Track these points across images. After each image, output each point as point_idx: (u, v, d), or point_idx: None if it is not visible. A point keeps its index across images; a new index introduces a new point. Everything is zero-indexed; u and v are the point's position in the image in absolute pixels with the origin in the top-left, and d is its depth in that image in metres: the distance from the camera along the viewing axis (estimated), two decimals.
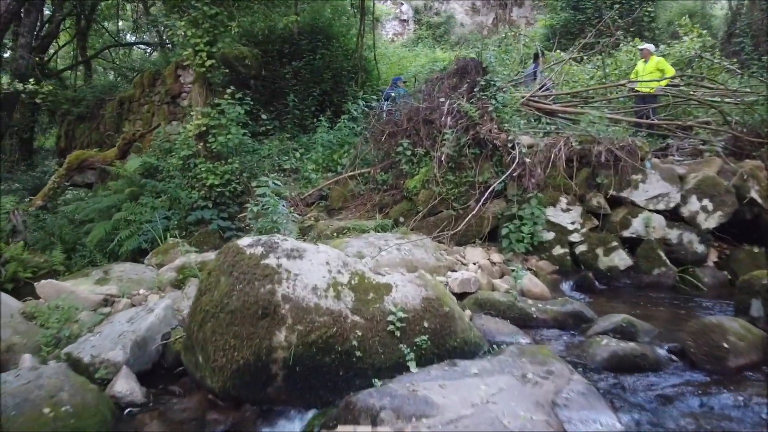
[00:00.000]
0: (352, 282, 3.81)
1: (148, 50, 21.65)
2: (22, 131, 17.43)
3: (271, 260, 3.60)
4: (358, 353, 3.50)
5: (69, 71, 19.22)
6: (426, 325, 3.79)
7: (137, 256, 7.58)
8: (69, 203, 9.31)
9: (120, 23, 21.80)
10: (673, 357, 4.01)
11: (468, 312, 4.74)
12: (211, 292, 3.55)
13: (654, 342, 4.29)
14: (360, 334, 3.56)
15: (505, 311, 4.83)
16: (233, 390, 3.36)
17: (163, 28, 17.11)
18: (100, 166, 10.19)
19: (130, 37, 22.18)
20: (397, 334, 3.66)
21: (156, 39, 19.62)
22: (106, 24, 20.20)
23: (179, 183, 8.19)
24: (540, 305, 4.94)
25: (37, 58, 14.06)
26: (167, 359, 4.04)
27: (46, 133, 21.66)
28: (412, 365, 3.47)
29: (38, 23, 15.38)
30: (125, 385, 3.47)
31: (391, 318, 3.69)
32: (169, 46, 17.25)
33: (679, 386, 3.56)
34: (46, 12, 16.87)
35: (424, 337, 3.71)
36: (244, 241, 3.75)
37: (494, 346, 4.04)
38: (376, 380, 3.36)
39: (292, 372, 3.38)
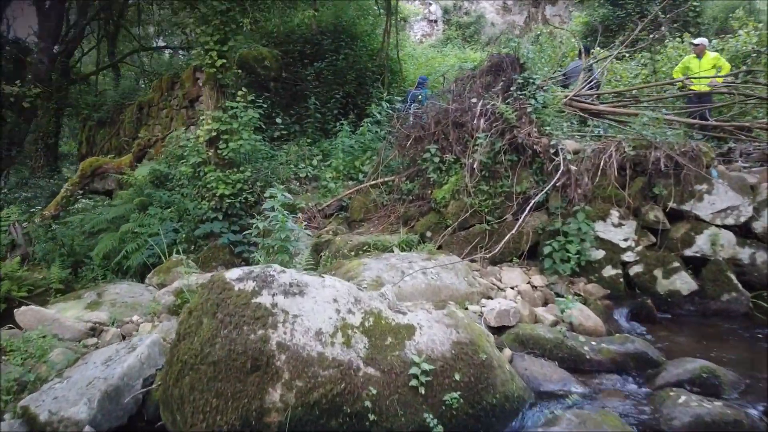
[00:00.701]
0: (366, 324, 3.10)
1: (179, 53, 21.38)
2: (47, 136, 17.29)
3: (265, 298, 2.91)
4: (372, 416, 2.81)
5: (93, 76, 19.07)
6: (457, 377, 3.06)
7: (145, 270, 7.03)
8: (80, 213, 8.83)
9: (151, 28, 21.63)
10: None
11: (507, 351, 3.97)
12: (190, 337, 2.88)
13: (743, 399, 3.44)
14: (375, 391, 2.86)
15: (551, 350, 4.07)
16: None
17: (189, 31, 16.80)
18: (113, 173, 9.75)
19: (158, 41, 21.97)
20: (422, 390, 2.96)
21: (183, 42, 19.34)
22: (134, 28, 19.99)
23: (189, 193, 7.60)
24: (594, 343, 4.15)
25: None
26: (148, 410, 3.39)
27: (76, 138, 21.58)
28: None
29: (62, 28, 15.21)
30: None
31: (413, 370, 2.98)
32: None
33: None
34: (72, 16, 16.74)
35: (455, 394, 2.99)
36: (232, 274, 3.07)
37: (543, 409, 3.25)
38: None
39: None
